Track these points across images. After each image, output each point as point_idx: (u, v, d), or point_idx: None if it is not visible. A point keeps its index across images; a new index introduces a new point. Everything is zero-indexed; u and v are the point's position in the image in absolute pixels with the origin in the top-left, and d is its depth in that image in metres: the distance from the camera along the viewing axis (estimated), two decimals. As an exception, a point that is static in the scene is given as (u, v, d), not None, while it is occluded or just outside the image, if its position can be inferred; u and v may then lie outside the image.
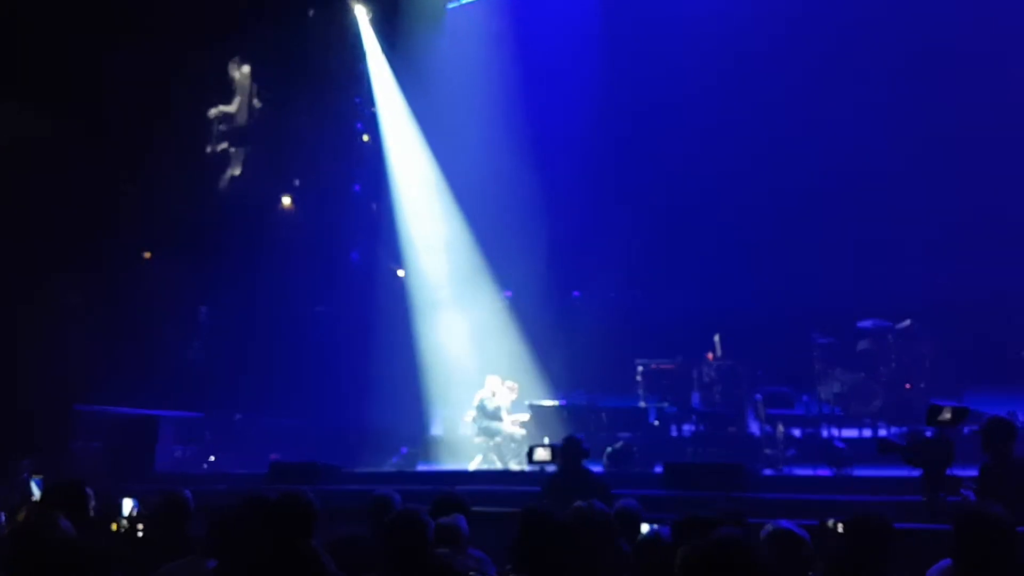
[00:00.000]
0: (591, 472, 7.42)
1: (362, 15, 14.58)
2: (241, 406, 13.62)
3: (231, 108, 16.20)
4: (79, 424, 11.89)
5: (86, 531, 4.50)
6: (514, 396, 11.68)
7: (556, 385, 12.47)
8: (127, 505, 5.78)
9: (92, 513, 4.92)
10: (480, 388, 11.72)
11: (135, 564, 4.29)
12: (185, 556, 4.22)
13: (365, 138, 15.10)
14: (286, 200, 15.45)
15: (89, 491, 4.80)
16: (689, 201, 12.79)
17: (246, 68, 16.12)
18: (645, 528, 4.28)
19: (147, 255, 14.71)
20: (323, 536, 4.25)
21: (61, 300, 12.74)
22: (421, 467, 11.95)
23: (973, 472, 6.15)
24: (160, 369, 13.34)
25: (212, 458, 12.89)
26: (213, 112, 16.03)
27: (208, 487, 9.33)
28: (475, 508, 5.04)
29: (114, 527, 5.60)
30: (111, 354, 12.56)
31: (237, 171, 16.00)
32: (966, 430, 7.47)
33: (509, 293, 13.60)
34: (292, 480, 9.11)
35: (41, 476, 7.67)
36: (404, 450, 12.48)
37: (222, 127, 16.31)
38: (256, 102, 15.92)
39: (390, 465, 12.01)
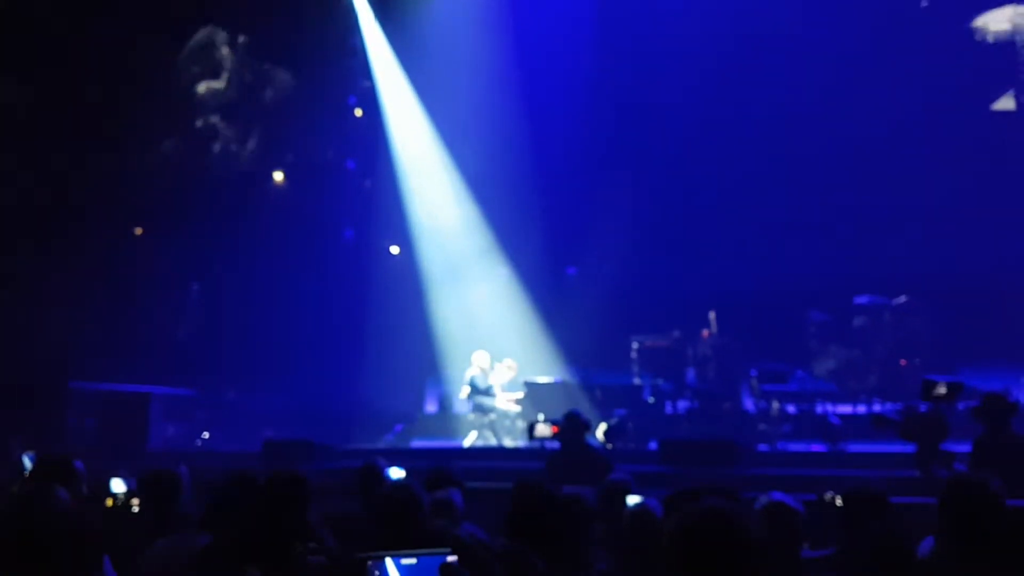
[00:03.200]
0: (593, 447, 7.43)
1: (355, -14, 14.43)
2: (233, 384, 13.60)
3: (220, 83, 16.04)
4: (73, 401, 11.87)
5: (79, 507, 4.48)
6: (512, 374, 11.68)
7: (551, 362, 12.47)
8: (117, 484, 5.74)
9: (85, 489, 4.91)
10: (470, 366, 11.74)
11: (127, 540, 4.27)
12: (177, 532, 4.22)
13: (358, 112, 14.97)
14: (278, 176, 15.34)
15: (80, 466, 4.78)
16: (685, 179, 12.71)
17: (236, 40, 15.94)
18: (632, 499, 4.29)
19: (138, 231, 14.64)
20: (318, 512, 4.26)
21: (52, 277, 12.67)
22: (416, 444, 11.96)
23: (967, 448, 6.17)
24: (152, 346, 13.30)
25: (207, 435, 12.89)
26: (202, 87, 15.86)
27: (201, 464, 9.30)
28: (470, 484, 5.04)
29: (109, 503, 5.59)
30: (103, 331, 12.52)
31: (228, 146, 15.87)
32: (961, 406, 7.51)
33: (504, 271, 13.55)
34: (286, 458, 9.10)
35: (34, 452, 7.64)
36: (399, 427, 12.49)
37: (212, 101, 16.16)
38: (246, 75, 15.75)
39: (385, 442, 12.02)
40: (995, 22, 11.32)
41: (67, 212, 13.17)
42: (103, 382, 12.21)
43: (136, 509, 5.35)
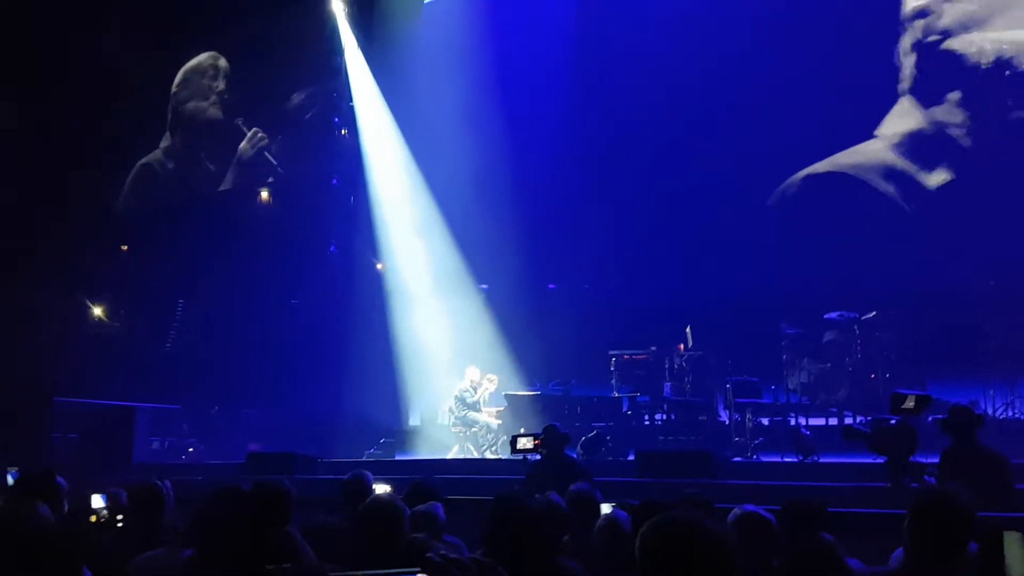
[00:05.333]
0: (573, 459, 7.52)
1: (339, 9, 14.61)
2: (219, 397, 13.62)
3: (206, 103, 16.14)
4: (58, 415, 11.85)
5: (61, 522, 4.51)
6: (493, 387, 11.80)
7: (532, 376, 12.56)
8: (96, 501, 5.73)
9: (67, 505, 4.92)
10: (459, 379, 11.84)
11: (112, 554, 4.27)
12: (161, 546, 4.22)
13: (343, 132, 15.12)
14: (264, 193, 15.43)
15: (62, 482, 4.79)
16: (662, 195, 12.90)
17: (222, 62, 16.09)
18: (606, 508, 4.36)
19: (124, 248, 14.66)
20: (299, 524, 4.30)
21: (39, 292, 12.68)
22: (399, 457, 12.02)
23: (936, 459, 6.25)
24: (138, 361, 13.30)
25: (191, 449, 12.90)
26: (190, 106, 15.96)
27: (186, 478, 9.36)
28: (452, 496, 5.08)
29: (93, 518, 5.58)
30: (89, 346, 12.52)
31: (215, 164, 15.96)
32: (929, 418, 7.64)
33: (485, 286, 13.66)
34: (269, 470, 9.15)
35: (17, 468, 7.64)
36: (383, 440, 12.56)
37: (200, 120, 16.27)
38: (232, 97, 15.86)
39: (368, 455, 12.09)
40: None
41: (54, 227, 13.19)
42: (89, 397, 12.21)
43: (120, 523, 5.32)
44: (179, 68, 16.16)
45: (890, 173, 11.69)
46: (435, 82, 13.66)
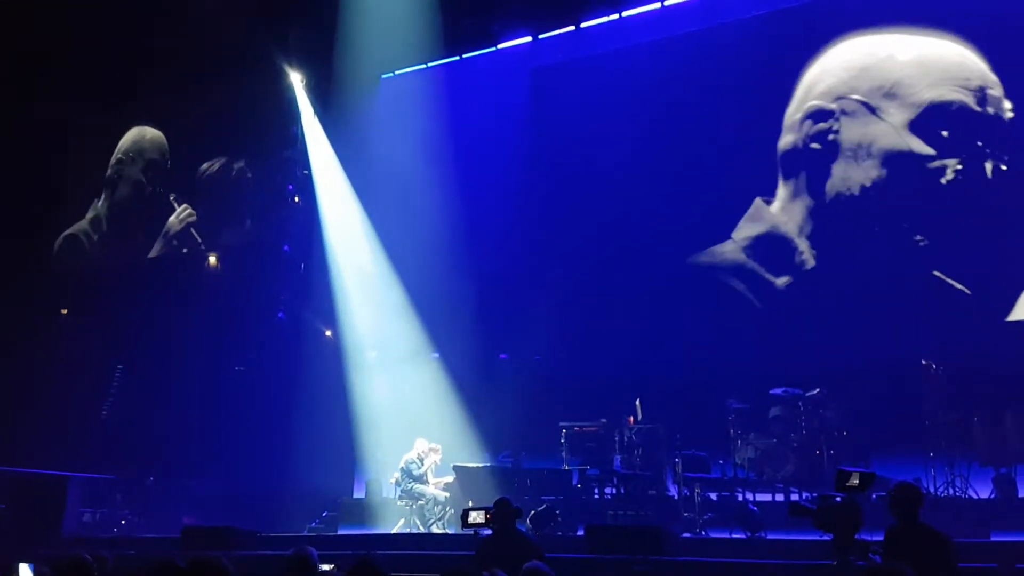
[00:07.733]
0: (524, 534, 7.41)
1: (297, 81, 14.84)
2: (155, 468, 13.21)
3: (135, 176, 16.18)
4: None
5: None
6: (438, 458, 11.65)
7: (482, 447, 12.46)
8: (24, 572, 5.54)
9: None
10: (406, 450, 11.68)
11: None
12: None
13: (296, 199, 15.16)
14: (212, 259, 15.30)
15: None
16: (614, 269, 13.12)
17: (160, 137, 16.26)
18: None
19: (64, 311, 14.32)
20: None
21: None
22: (343, 531, 11.74)
23: (881, 537, 6.35)
24: (71, 429, 12.87)
25: (124, 521, 12.44)
26: (120, 178, 15.94)
27: (118, 552, 8.99)
28: (395, 573, 5.01)
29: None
30: (20, 412, 12.10)
31: (141, 235, 15.87)
32: (873, 496, 7.73)
33: (436, 355, 13.61)
34: (205, 545, 8.91)
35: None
36: (325, 513, 12.26)
37: (128, 192, 16.27)
38: (169, 168, 15.91)
39: (309, 529, 11.79)
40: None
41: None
42: (19, 464, 11.77)
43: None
44: (119, 136, 16.23)
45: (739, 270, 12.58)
46: (391, 153, 13.86)
